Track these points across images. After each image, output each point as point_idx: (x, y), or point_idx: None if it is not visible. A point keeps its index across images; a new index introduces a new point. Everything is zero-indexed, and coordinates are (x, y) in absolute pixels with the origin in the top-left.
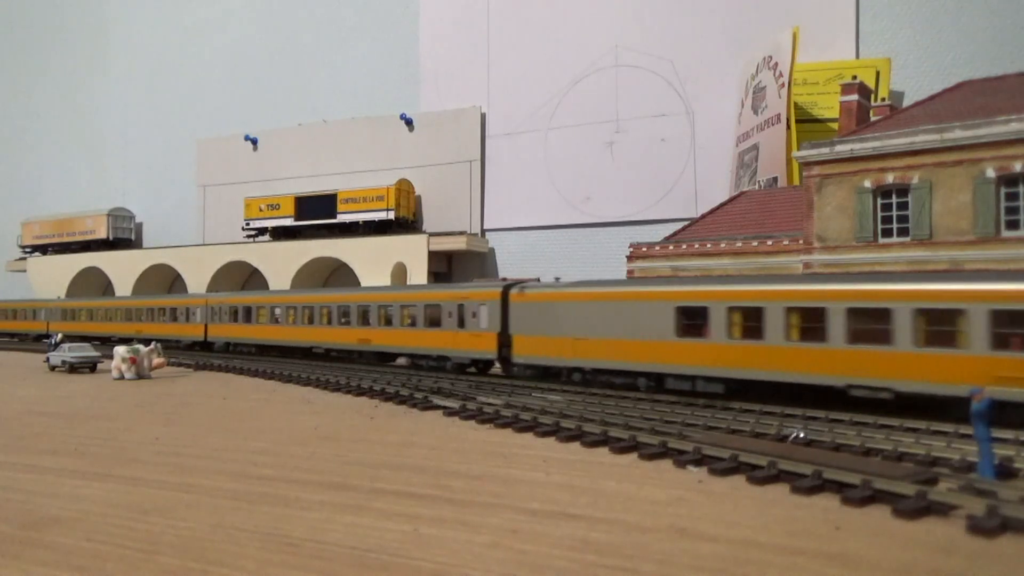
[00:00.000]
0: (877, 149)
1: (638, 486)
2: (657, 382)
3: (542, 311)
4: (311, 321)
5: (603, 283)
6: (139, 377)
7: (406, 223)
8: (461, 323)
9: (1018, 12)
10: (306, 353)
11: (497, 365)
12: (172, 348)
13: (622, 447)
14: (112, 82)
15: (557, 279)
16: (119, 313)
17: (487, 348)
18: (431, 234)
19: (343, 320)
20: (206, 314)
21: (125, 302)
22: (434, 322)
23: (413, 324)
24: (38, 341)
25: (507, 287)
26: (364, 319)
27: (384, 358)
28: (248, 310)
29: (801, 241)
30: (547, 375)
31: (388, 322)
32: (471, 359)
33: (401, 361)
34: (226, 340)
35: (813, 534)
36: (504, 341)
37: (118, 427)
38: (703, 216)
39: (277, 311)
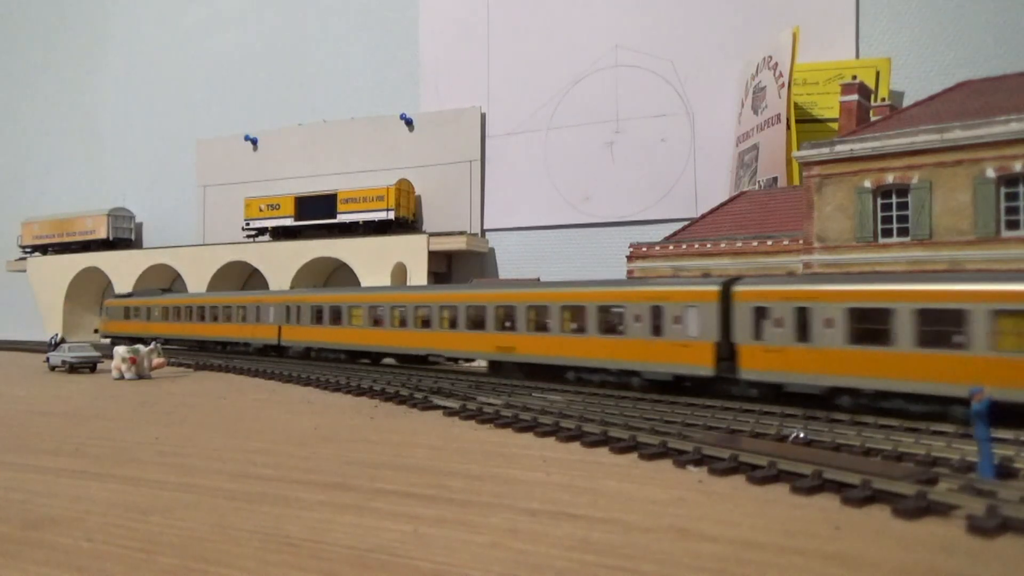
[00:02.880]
0: (877, 149)
1: (638, 486)
2: None
3: None
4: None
5: None
6: (139, 377)
7: (406, 223)
8: None
9: (1018, 12)
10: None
11: None
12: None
13: (622, 447)
14: (112, 82)
15: None
16: (448, 315)
17: None
18: (431, 234)
19: None
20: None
21: (455, 294)
22: None
23: None
24: (264, 355)
25: None
26: None
27: None
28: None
29: (801, 241)
30: None
31: None
32: None
33: None
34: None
35: (813, 534)
36: None
37: (118, 427)
38: (703, 216)
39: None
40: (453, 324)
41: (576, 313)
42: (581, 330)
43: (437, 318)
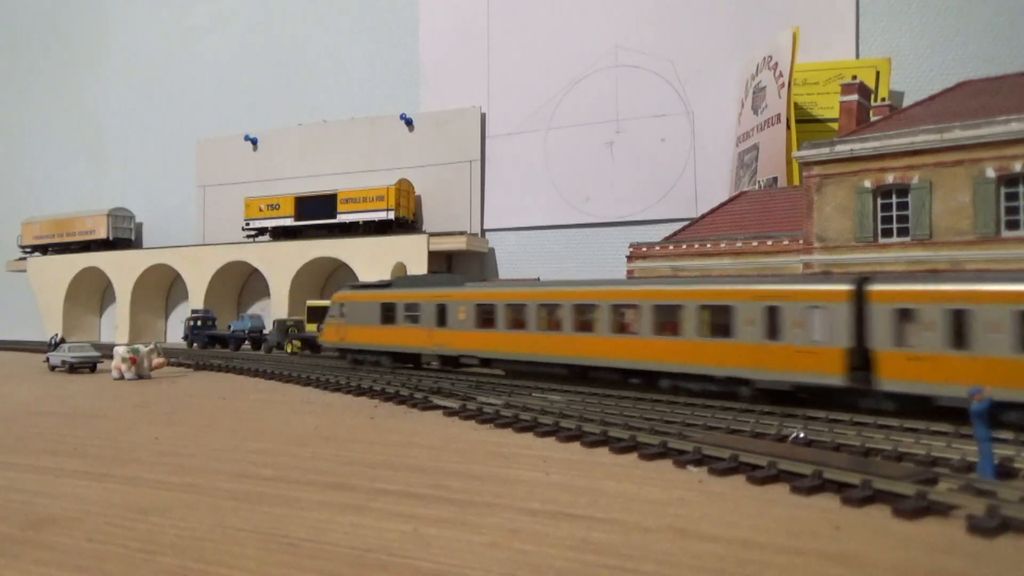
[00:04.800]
0: (877, 149)
1: (638, 486)
2: None
3: None
4: None
5: None
6: (139, 377)
7: (406, 223)
8: None
9: (1018, 12)
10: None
11: None
12: None
13: (622, 447)
14: (112, 82)
15: None
16: None
17: None
18: (431, 234)
19: None
20: None
21: None
22: None
23: None
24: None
25: None
26: None
27: None
28: None
29: (801, 241)
30: None
31: None
32: None
33: None
34: None
35: (813, 534)
36: None
37: (118, 427)
38: (703, 216)
39: None
40: None
41: None
42: None
43: None
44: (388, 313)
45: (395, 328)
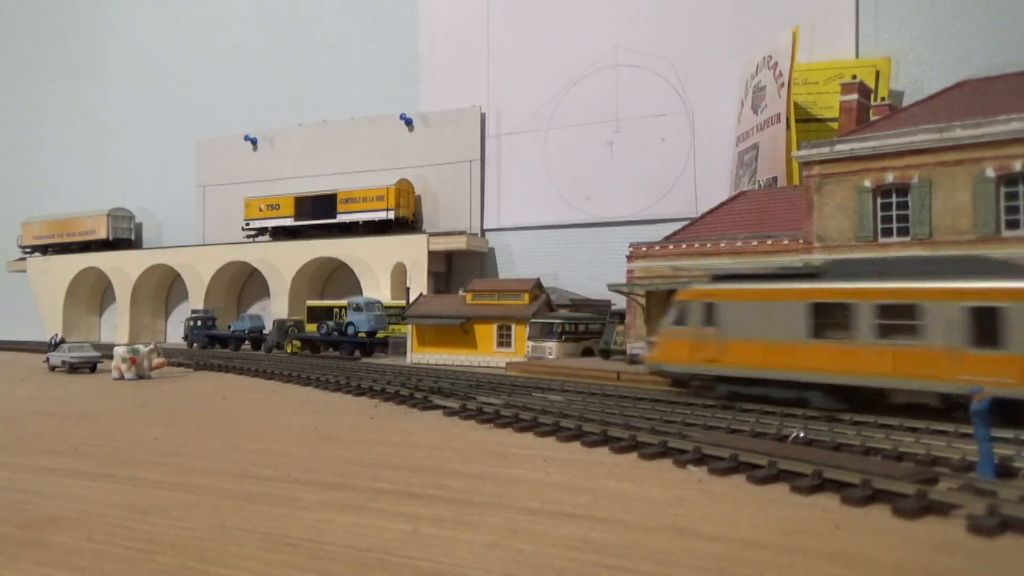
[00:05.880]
0: (877, 148)
1: (638, 486)
2: None
3: None
4: None
5: None
6: (139, 377)
7: (406, 223)
8: None
9: (1018, 12)
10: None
11: None
12: None
13: (622, 447)
14: (112, 82)
15: None
16: None
17: None
18: (431, 234)
19: None
20: None
21: None
22: None
23: None
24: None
25: None
26: None
27: None
28: None
29: (801, 241)
30: None
31: None
32: None
33: None
34: None
35: (813, 534)
36: None
37: (118, 427)
38: (703, 216)
39: None
40: None
41: None
42: None
43: None
44: (830, 319)
45: (845, 345)
